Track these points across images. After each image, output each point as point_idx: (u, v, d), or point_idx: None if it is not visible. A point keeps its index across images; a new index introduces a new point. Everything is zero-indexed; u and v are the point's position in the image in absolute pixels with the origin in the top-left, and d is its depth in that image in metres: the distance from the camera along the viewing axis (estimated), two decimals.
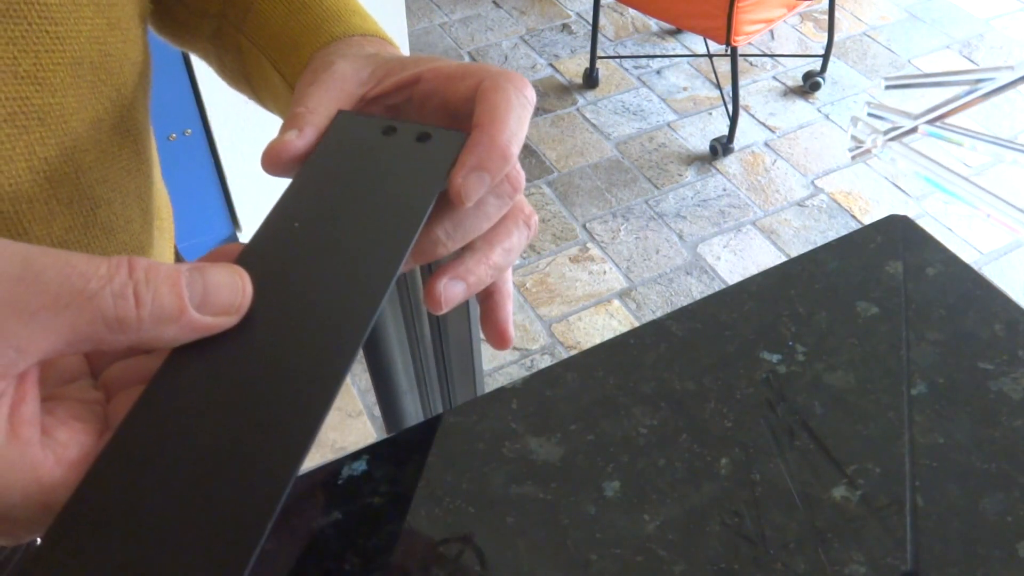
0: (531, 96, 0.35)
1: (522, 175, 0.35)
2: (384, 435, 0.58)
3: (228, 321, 0.28)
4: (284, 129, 0.35)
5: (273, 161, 0.34)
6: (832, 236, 1.94)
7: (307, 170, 0.34)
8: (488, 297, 0.39)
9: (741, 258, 1.97)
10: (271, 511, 0.25)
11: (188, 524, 0.25)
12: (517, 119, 0.34)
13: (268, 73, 0.44)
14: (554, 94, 2.40)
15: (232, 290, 0.28)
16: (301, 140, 0.34)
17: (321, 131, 0.35)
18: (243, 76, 0.47)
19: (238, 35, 0.45)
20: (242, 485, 0.25)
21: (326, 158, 0.34)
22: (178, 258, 0.60)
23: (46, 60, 0.35)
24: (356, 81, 0.37)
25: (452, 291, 0.35)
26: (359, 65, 0.38)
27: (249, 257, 0.31)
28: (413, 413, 0.58)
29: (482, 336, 0.40)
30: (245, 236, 1.91)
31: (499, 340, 0.40)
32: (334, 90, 0.36)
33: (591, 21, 2.35)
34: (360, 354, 0.36)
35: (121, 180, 0.42)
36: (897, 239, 0.59)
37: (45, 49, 0.35)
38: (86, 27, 0.36)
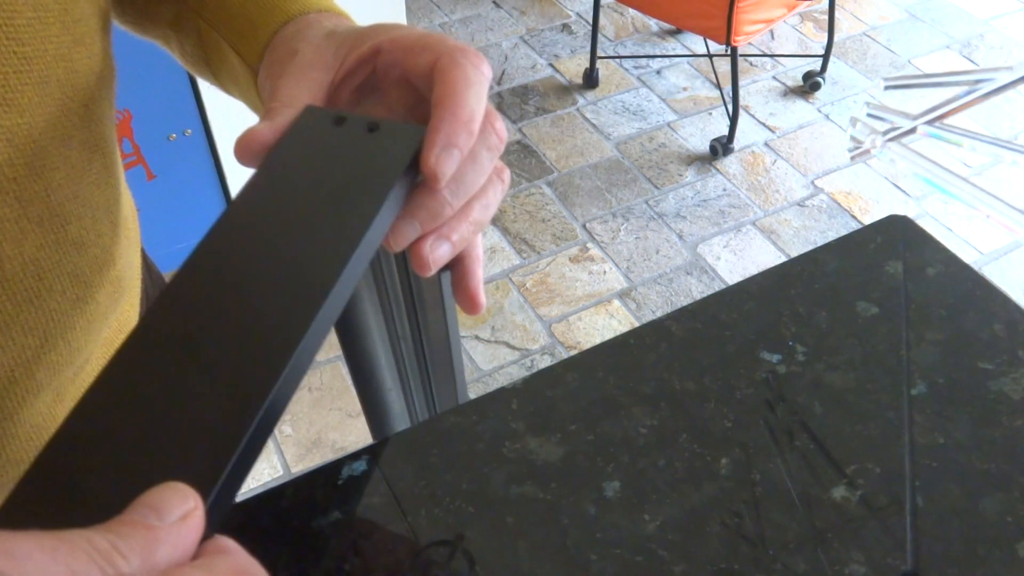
0: (487, 71, 0.36)
1: (504, 129, 0.37)
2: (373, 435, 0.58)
3: None
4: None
5: (243, 150, 0.35)
6: (832, 236, 1.94)
7: (267, 162, 0.35)
8: (459, 262, 0.40)
9: (741, 258, 1.97)
10: (226, 461, 0.26)
11: (163, 452, 0.27)
12: (476, 95, 0.35)
13: (227, 55, 0.44)
14: (554, 94, 2.40)
15: None
16: (270, 131, 0.35)
17: (287, 120, 0.36)
18: (203, 61, 0.47)
19: (197, 19, 0.45)
20: (197, 442, 0.27)
21: (284, 150, 0.35)
22: (146, 264, 0.59)
23: (14, 81, 0.34)
24: (323, 66, 0.38)
25: (438, 251, 0.35)
26: (322, 47, 0.38)
27: (211, 244, 0.32)
28: (399, 411, 0.58)
29: (461, 333, 0.40)
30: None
31: (471, 305, 0.40)
32: (304, 80, 0.37)
33: (591, 21, 2.35)
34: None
35: (91, 195, 0.41)
36: (897, 239, 0.59)
37: (13, 70, 0.34)
38: (52, 45, 0.36)
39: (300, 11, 0.42)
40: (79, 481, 0.26)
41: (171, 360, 0.29)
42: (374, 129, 0.35)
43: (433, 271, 0.35)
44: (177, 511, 0.23)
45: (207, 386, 0.28)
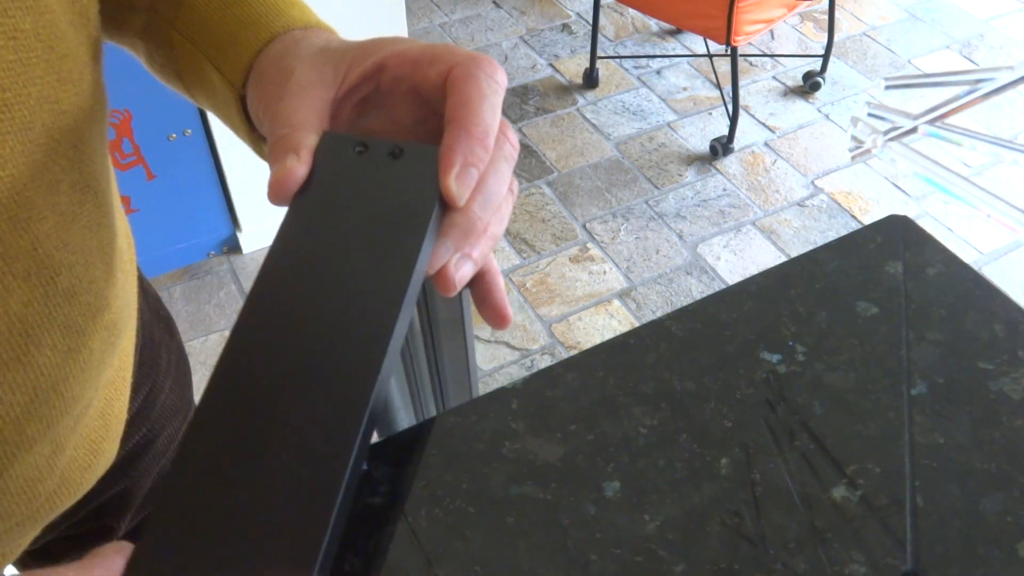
0: (501, 80, 0.35)
1: (516, 138, 0.36)
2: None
3: None
4: (277, 154, 0.34)
5: (282, 193, 0.33)
6: (832, 236, 1.94)
7: (299, 199, 0.34)
8: (480, 278, 0.39)
9: (741, 258, 1.97)
10: (326, 523, 0.27)
11: (261, 523, 0.27)
12: (491, 107, 0.34)
13: (204, 70, 0.42)
14: (554, 94, 2.40)
15: None
16: (302, 166, 0.34)
17: (313, 150, 0.34)
18: (174, 72, 0.45)
19: (170, 30, 0.43)
20: (294, 508, 0.27)
21: (314, 184, 0.34)
22: (142, 287, 0.57)
23: None
24: (323, 84, 0.36)
25: (463, 270, 0.34)
26: (319, 64, 0.37)
27: (263, 290, 0.32)
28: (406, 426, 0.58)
29: (478, 336, 0.40)
30: (245, 236, 1.91)
31: (499, 320, 0.39)
32: (308, 99, 0.36)
33: (591, 21, 2.35)
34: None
35: (83, 240, 0.38)
36: (897, 239, 0.59)
37: None
38: (36, 88, 0.33)
39: (284, 28, 0.40)
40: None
41: (247, 428, 0.29)
42: (398, 155, 0.34)
43: (458, 290, 0.35)
44: None
45: (288, 456, 0.28)
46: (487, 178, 0.34)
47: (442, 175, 0.33)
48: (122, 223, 0.48)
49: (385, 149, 0.35)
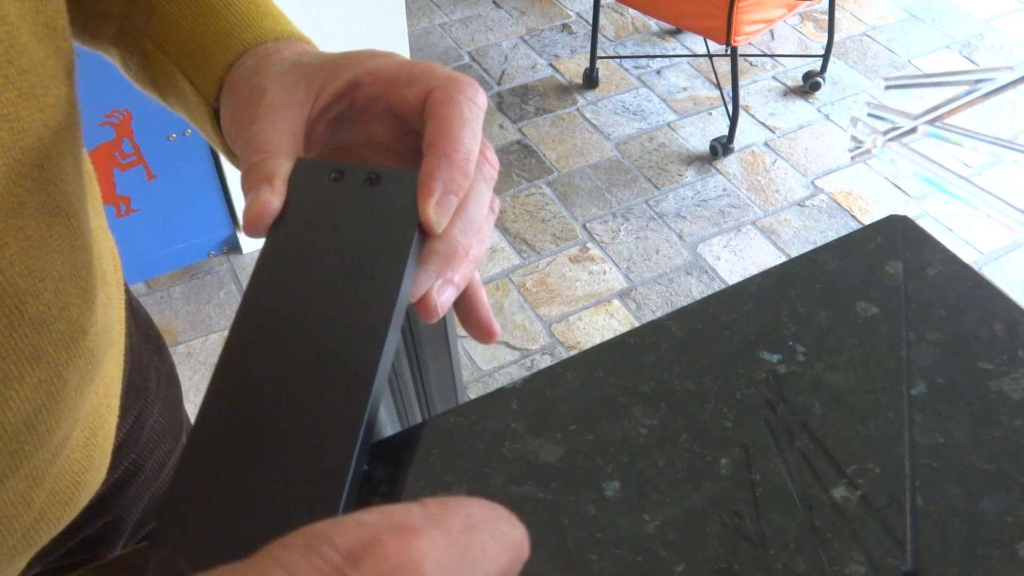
0: (482, 102, 0.34)
1: (496, 157, 0.35)
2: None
3: None
4: (251, 183, 0.34)
5: (258, 227, 0.33)
6: (832, 236, 1.94)
7: (275, 231, 0.33)
8: (463, 294, 0.38)
9: (741, 258, 1.97)
10: None
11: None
12: (471, 132, 0.33)
13: (177, 80, 0.41)
14: (554, 94, 2.40)
15: None
16: (276, 197, 0.33)
17: (286, 178, 0.34)
18: (149, 80, 0.44)
19: (142, 38, 0.42)
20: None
21: (290, 215, 0.34)
22: (130, 307, 0.55)
23: None
24: (296, 104, 0.35)
25: (444, 296, 0.34)
26: (291, 83, 0.36)
27: (246, 325, 0.31)
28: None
29: (460, 333, 0.40)
30: (245, 235, 1.92)
31: (486, 334, 0.39)
32: (280, 122, 0.35)
33: (591, 21, 2.35)
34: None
35: (51, 265, 0.36)
36: (897, 239, 0.59)
37: None
38: None
39: (256, 40, 0.39)
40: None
41: (235, 470, 0.28)
42: (375, 181, 0.34)
43: (440, 316, 0.34)
44: None
45: (286, 483, 0.28)
46: (467, 203, 0.34)
47: (421, 203, 0.32)
48: (105, 243, 0.46)
49: (361, 175, 0.34)
